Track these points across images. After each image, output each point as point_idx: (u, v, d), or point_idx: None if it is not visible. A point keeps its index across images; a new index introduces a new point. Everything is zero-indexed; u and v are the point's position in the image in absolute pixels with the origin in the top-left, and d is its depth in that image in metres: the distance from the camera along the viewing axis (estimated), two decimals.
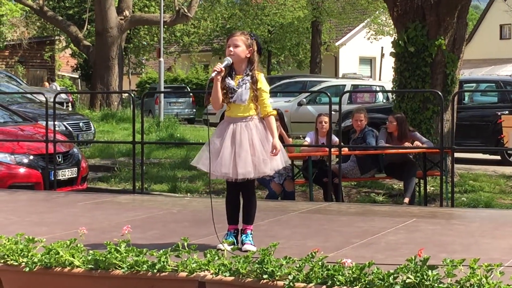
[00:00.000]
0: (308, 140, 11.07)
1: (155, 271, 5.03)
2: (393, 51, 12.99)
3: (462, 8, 12.57)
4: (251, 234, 6.11)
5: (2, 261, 5.45)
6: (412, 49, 12.57)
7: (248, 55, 6.03)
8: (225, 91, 6.00)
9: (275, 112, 6.14)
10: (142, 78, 47.79)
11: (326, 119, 10.85)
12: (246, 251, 5.68)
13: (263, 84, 6.03)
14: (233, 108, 6.02)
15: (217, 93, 5.98)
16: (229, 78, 6.02)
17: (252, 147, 5.94)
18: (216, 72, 5.93)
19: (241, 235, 6.12)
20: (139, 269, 5.08)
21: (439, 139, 9.94)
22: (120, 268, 5.13)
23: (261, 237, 6.29)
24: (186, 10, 29.78)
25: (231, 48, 6.00)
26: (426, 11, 12.51)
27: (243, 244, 6.02)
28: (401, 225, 7.35)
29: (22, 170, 10.99)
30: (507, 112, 15.70)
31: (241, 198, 6.21)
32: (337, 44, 43.54)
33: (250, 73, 6.01)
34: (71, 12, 40.10)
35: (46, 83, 37.75)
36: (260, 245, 5.63)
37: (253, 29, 38.13)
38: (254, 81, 5.99)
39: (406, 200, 10.64)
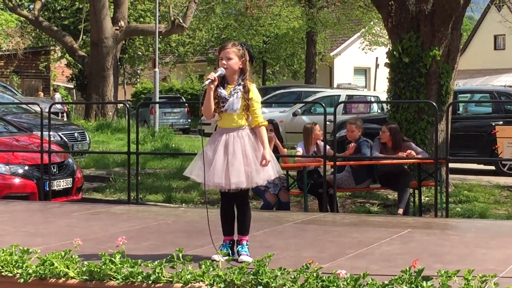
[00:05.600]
0: (300, 150, 11.03)
1: (150, 282, 5.03)
2: (388, 61, 13.01)
3: (456, 18, 12.60)
4: (247, 245, 6.10)
5: None
6: (406, 59, 12.60)
7: (241, 66, 6.04)
8: (216, 100, 5.98)
9: (266, 123, 6.12)
10: (137, 88, 47.80)
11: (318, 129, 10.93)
12: (242, 262, 5.66)
13: (255, 94, 6.03)
14: (225, 118, 6.02)
15: (209, 102, 5.96)
16: (221, 87, 6.02)
17: (245, 156, 5.94)
18: (209, 80, 5.93)
19: (237, 246, 6.11)
20: (134, 280, 5.07)
21: (434, 150, 9.94)
22: (114, 279, 5.12)
23: (256, 248, 6.28)
24: (181, 21, 29.82)
25: (224, 61, 6.01)
26: (420, 22, 12.55)
27: (239, 255, 6.01)
28: (396, 236, 7.35)
29: (17, 180, 10.99)
30: (501, 122, 15.74)
31: (235, 209, 6.21)
32: (332, 54, 43.62)
33: (242, 83, 6.02)
34: (67, 22, 40.15)
35: (41, 93, 37.72)
36: (255, 256, 5.64)
37: (248, 39, 38.16)
38: (246, 91, 5.99)
39: (400, 211, 10.62)
